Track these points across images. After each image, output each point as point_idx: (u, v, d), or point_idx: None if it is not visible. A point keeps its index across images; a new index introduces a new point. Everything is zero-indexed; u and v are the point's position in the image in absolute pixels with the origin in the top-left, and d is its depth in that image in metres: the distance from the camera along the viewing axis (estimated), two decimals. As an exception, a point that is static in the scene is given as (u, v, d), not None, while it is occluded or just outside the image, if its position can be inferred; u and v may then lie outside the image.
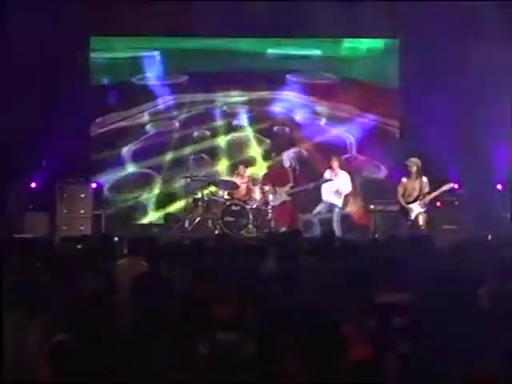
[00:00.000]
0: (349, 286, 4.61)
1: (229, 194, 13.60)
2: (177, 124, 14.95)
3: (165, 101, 14.95)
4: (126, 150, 14.83)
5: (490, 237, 10.07)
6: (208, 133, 14.99)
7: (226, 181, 13.84)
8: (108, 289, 4.92)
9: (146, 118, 14.97)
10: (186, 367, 3.74)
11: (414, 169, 11.44)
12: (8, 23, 12.91)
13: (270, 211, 13.29)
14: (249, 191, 13.55)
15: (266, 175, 13.26)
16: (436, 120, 13.57)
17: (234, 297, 4.32)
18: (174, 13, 13.84)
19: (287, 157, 12.96)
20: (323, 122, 14.82)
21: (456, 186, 12.12)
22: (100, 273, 5.39)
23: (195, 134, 14.96)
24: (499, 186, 13.87)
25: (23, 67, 13.22)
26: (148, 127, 14.98)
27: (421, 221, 11.46)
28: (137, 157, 14.87)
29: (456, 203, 13.15)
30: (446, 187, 11.50)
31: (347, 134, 14.74)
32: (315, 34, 14.14)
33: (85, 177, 13.91)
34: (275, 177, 12.58)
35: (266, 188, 13.16)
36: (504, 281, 5.09)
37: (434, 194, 11.48)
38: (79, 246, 7.70)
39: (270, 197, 12.99)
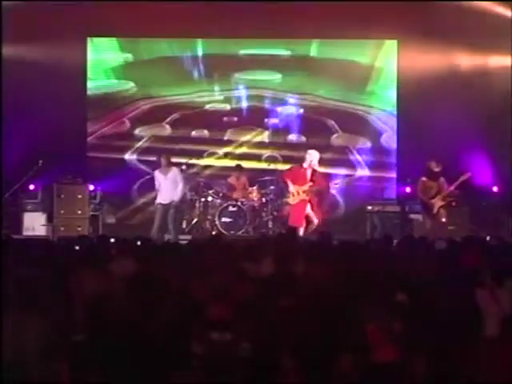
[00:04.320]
0: (346, 286, 4.61)
1: (226, 195, 13.61)
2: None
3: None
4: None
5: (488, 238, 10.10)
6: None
7: (223, 181, 13.84)
8: (105, 289, 4.92)
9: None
10: (182, 367, 3.75)
11: (435, 169, 12.02)
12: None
13: (268, 212, 13.33)
14: (246, 192, 13.54)
15: (286, 173, 13.27)
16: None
17: (230, 297, 4.33)
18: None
19: (308, 157, 13.00)
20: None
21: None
22: (97, 273, 5.40)
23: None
24: (495, 188, 13.91)
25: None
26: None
27: (443, 215, 12.02)
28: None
29: (453, 204, 13.16)
30: (463, 177, 11.99)
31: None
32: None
33: (82, 177, 13.90)
34: (295, 175, 12.65)
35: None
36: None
37: (455, 183, 11.99)
38: (77, 247, 7.70)
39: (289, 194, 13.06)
